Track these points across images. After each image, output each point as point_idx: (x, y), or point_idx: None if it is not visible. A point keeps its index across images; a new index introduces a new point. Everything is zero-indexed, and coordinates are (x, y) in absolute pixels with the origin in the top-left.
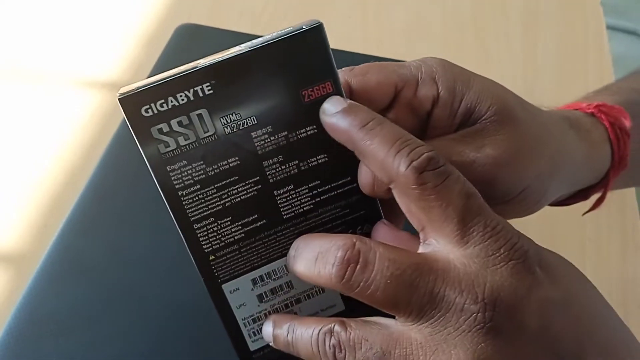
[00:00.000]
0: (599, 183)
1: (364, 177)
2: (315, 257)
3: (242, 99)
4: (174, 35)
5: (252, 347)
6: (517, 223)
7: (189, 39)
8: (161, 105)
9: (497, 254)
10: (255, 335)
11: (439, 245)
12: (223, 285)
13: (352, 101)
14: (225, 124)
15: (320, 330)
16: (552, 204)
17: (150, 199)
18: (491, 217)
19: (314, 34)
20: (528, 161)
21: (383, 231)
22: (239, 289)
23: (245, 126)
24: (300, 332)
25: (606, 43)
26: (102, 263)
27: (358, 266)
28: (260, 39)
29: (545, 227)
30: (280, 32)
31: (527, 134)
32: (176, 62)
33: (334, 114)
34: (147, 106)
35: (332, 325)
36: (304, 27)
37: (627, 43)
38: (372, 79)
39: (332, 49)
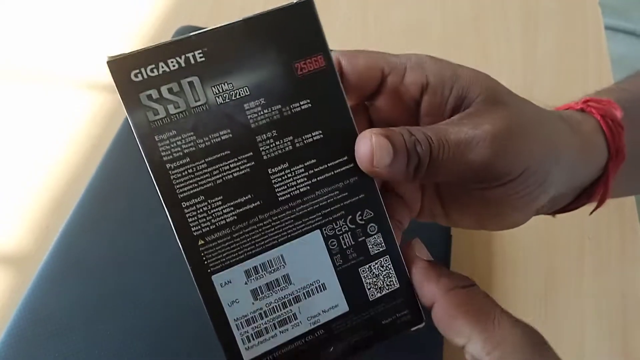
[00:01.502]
0: (600, 178)
1: (363, 150)
2: None
3: (234, 68)
4: (174, 36)
5: (246, 356)
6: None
7: None
8: (151, 71)
9: None
10: (249, 341)
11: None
12: (213, 277)
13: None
14: (217, 94)
15: None
16: (559, 211)
17: (151, 200)
18: None
19: (304, 7)
20: (524, 139)
21: (422, 266)
22: (231, 282)
23: (237, 97)
24: None
25: (605, 43)
26: (103, 264)
27: None
28: (254, 13)
29: (545, 225)
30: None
31: (521, 114)
32: None
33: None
34: (137, 70)
35: None
36: (294, 0)
37: (626, 43)
38: (361, 62)
39: (332, 50)
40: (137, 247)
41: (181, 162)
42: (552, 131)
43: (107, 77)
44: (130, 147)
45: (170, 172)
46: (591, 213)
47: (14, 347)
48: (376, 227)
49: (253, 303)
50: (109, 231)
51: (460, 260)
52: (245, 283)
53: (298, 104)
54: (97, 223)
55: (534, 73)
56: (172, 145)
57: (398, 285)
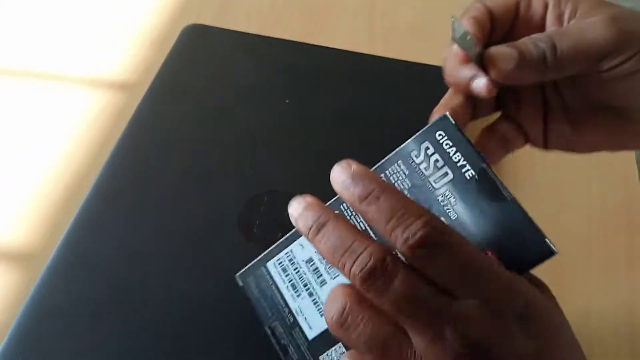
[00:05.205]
0: None
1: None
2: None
3: None
4: (181, 35)
5: None
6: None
7: (196, 39)
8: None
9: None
10: None
11: None
12: None
13: (358, 168)
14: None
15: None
16: None
17: (158, 197)
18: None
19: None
20: (634, 19)
21: None
22: None
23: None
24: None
25: None
26: (111, 261)
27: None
28: None
29: (552, 227)
30: None
31: (624, 9)
32: (184, 63)
33: (339, 183)
34: None
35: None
36: None
37: None
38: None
39: (338, 49)
40: (144, 244)
41: None
42: None
43: (114, 77)
44: (136, 145)
45: None
46: None
47: (21, 343)
48: None
49: None
50: (116, 228)
51: None
52: None
53: None
54: (104, 220)
55: None
56: None
57: None
